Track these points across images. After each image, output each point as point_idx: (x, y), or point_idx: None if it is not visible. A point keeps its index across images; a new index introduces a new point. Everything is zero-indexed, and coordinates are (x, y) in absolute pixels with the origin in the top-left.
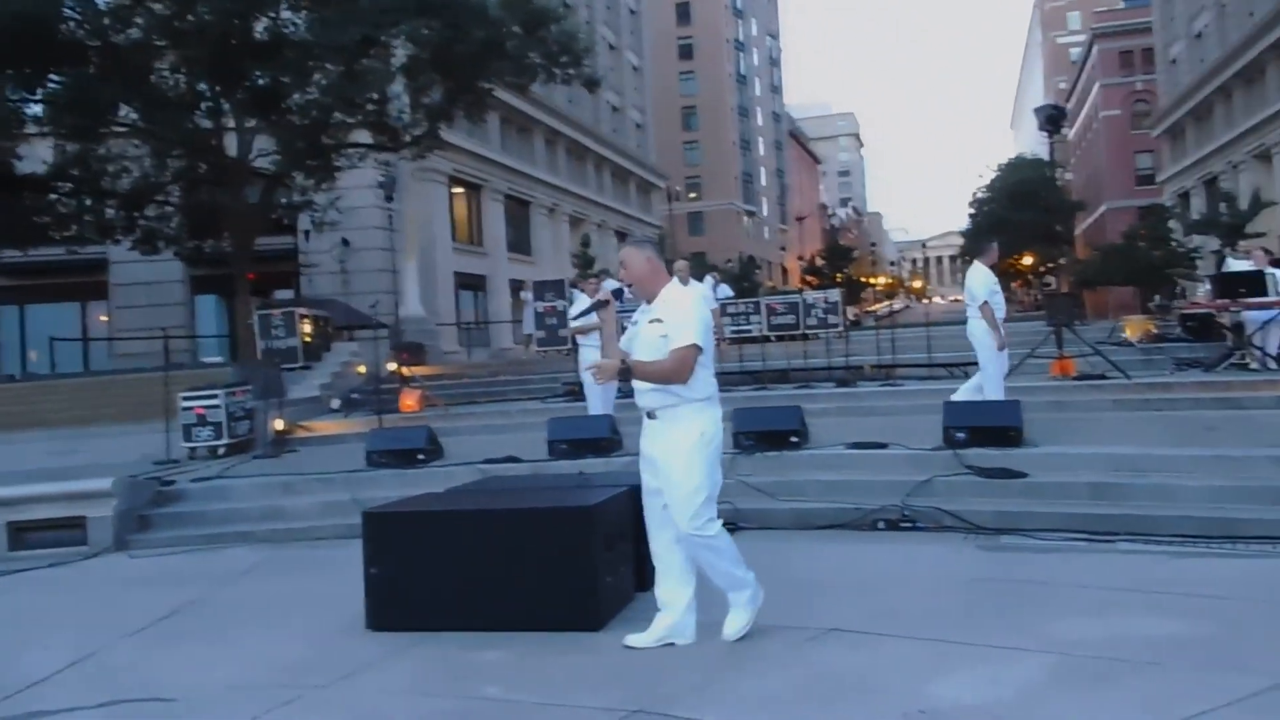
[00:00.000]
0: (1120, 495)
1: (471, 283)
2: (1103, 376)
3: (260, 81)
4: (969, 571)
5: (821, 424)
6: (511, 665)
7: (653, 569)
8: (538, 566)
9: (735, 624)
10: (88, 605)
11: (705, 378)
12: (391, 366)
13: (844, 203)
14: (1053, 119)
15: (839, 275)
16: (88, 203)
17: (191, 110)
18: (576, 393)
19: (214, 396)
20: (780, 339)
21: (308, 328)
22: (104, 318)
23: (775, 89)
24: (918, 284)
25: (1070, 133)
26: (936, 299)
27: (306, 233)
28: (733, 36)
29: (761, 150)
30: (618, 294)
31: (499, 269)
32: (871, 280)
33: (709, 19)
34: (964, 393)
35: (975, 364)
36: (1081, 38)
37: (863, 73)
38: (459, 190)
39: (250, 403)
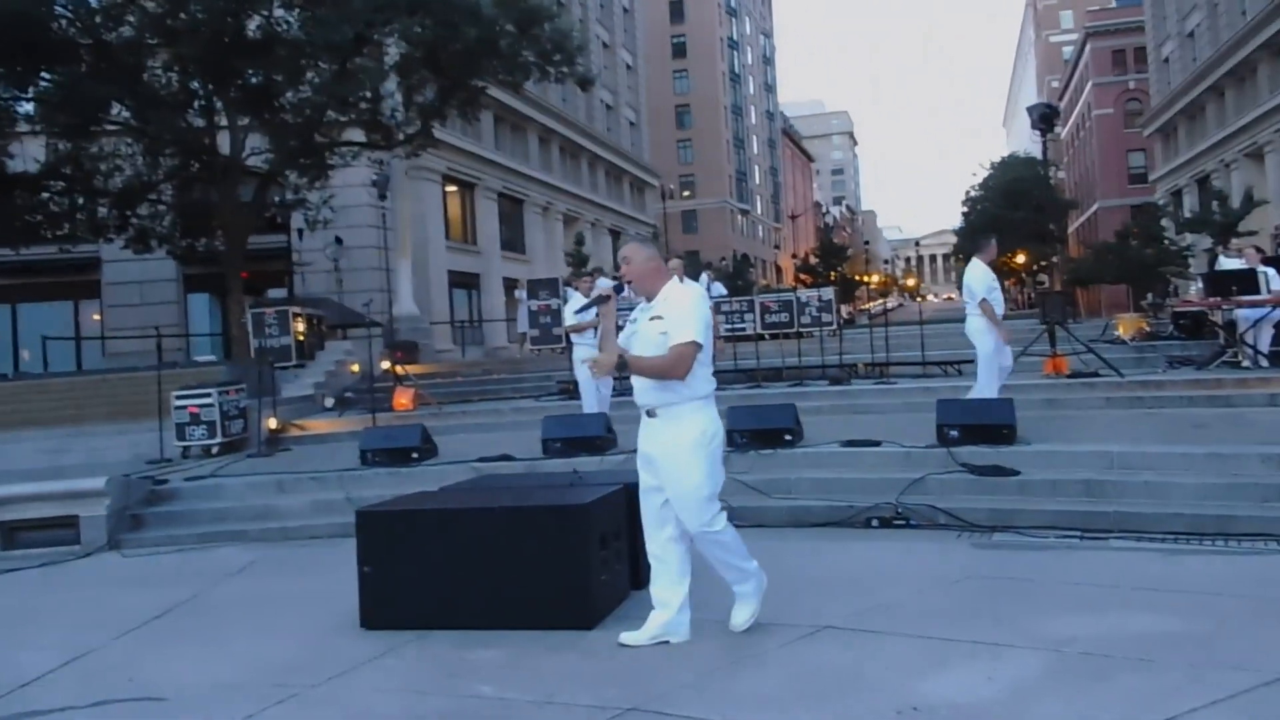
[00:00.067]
0: (1113, 493)
1: (465, 281)
2: (1095, 374)
3: (253, 80)
4: (962, 569)
5: (815, 422)
6: (505, 664)
7: (647, 567)
8: (532, 565)
9: (743, 614)
10: (80, 605)
11: (704, 375)
12: (385, 365)
13: (837, 201)
14: (1045, 118)
15: (833, 273)
16: (80, 201)
17: (184, 109)
18: (571, 391)
19: (207, 395)
20: (774, 337)
21: (301, 326)
22: (96, 316)
23: (769, 87)
24: (911, 282)
25: (1063, 131)
26: (930, 297)
27: (300, 231)
28: (726, 35)
29: (755, 149)
30: (618, 289)
31: (493, 267)
32: (865, 278)
33: (702, 17)
34: (983, 389)
35: (969, 362)
36: (1074, 36)
37: (856, 71)
38: (452, 188)
39: (244, 401)
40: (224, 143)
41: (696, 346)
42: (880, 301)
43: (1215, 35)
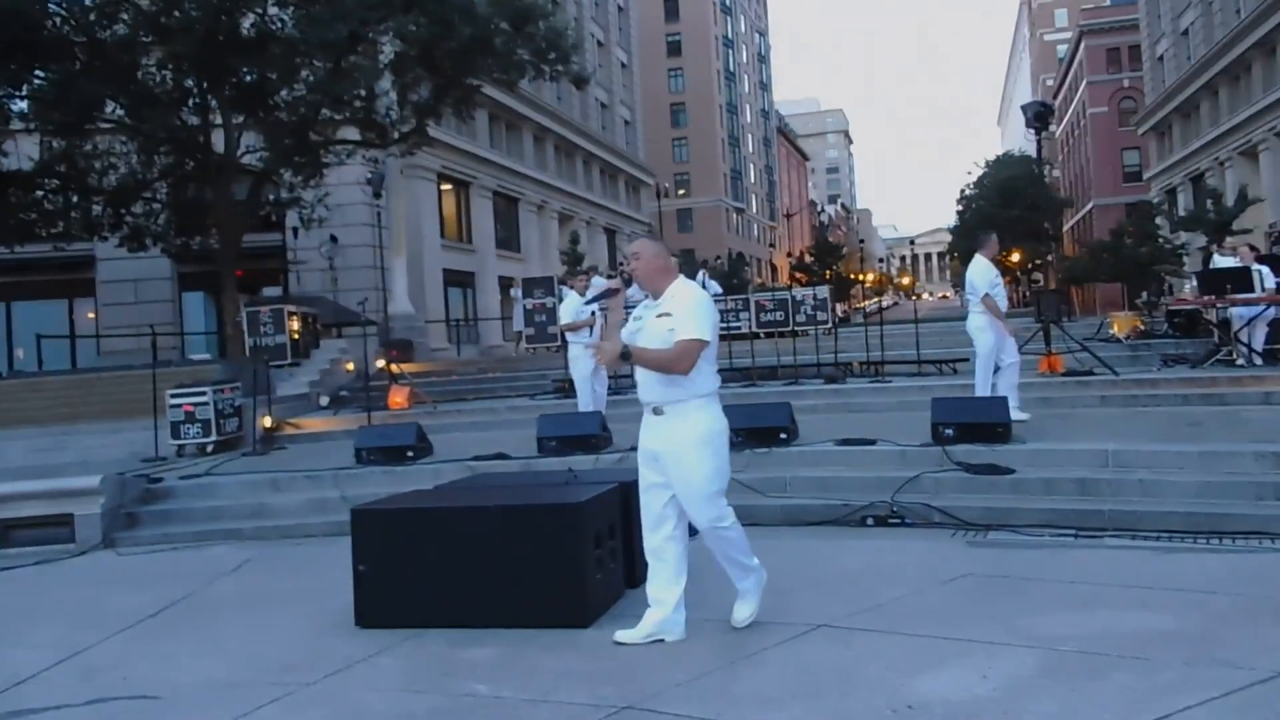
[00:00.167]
0: (1107, 491)
1: (460, 280)
2: (1090, 373)
3: (247, 78)
4: (956, 567)
5: (810, 421)
6: (500, 662)
7: (643, 566)
8: (527, 563)
9: (744, 611)
10: (75, 603)
11: (710, 373)
12: (380, 364)
13: (832, 200)
14: (1040, 116)
15: (828, 272)
16: (74, 199)
17: (178, 107)
18: (566, 390)
19: (202, 394)
20: (769, 335)
21: (296, 325)
22: (91, 315)
23: (764, 86)
24: (906, 280)
25: (1057, 130)
26: (925, 296)
27: (294, 230)
28: (721, 33)
29: (750, 147)
30: (626, 283)
31: (488, 266)
32: (860, 277)
33: (697, 16)
34: (1005, 390)
35: (963, 360)
36: (1069, 35)
37: (851, 69)
38: (447, 187)
39: (238, 399)
40: (218, 141)
41: (702, 344)
42: (875, 300)
43: (1209, 33)
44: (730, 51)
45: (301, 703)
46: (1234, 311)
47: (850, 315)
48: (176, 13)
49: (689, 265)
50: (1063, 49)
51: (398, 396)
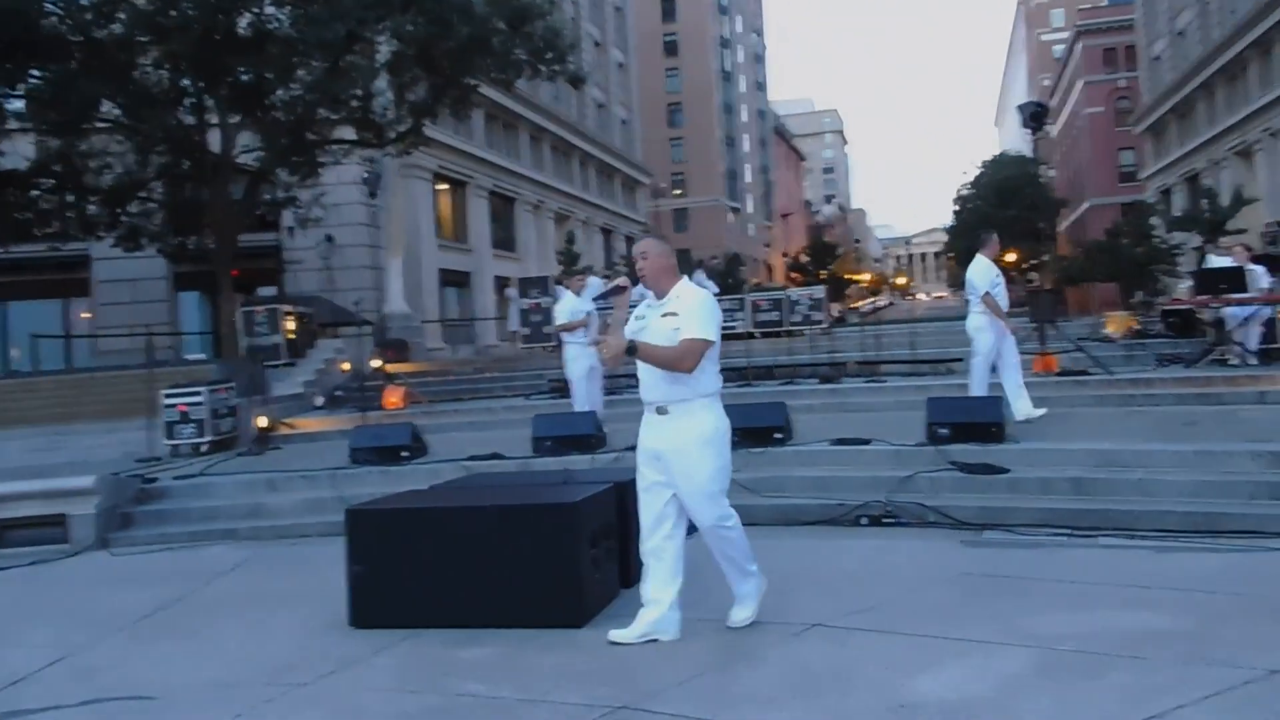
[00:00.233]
0: (1102, 490)
1: (456, 279)
2: (1085, 372)
3: (244, 77)
4: (952, 567)
5: (805, 420)
6: (495, 662)
7: (638, 565)
8: (522, 563)
9: (741, 615)
10: (69, 603)
11: (714, 373)
12: (375, 363)
13: (828, 199)
14: (1036, 116)
15: (823, 272)
16: (70, 199)
17: (174, 106)
18: (561, 390)
19: (197, 393)
20: (765, 335)
21: (291, 324)
22: (86, 315)
23: (760, 86)
24: (902, 280)
25: (1054, 130)
26: (921, 295)
27: (290, 229)
28: (717, 33)
29: (746, 147)
30: (633, 282)
31: (483, 266)
32: (856, 277)
33: (694, 16)
34: (1010, 389)
35: (958, 360)
36: (1065, 35)
37: (847, 69)
38: (443, 187)
39: (234, 399)
40: (215, 140)
41: (708, 344)
42: (870, 300)
43: (1206, 34)
44: (727, 51)
45: (297, 703)
46: (1228, 311)
47: (846, 315)
48: (173, 12)
49: (685, 265)
50: (1059, 49)
51: (393, 396)
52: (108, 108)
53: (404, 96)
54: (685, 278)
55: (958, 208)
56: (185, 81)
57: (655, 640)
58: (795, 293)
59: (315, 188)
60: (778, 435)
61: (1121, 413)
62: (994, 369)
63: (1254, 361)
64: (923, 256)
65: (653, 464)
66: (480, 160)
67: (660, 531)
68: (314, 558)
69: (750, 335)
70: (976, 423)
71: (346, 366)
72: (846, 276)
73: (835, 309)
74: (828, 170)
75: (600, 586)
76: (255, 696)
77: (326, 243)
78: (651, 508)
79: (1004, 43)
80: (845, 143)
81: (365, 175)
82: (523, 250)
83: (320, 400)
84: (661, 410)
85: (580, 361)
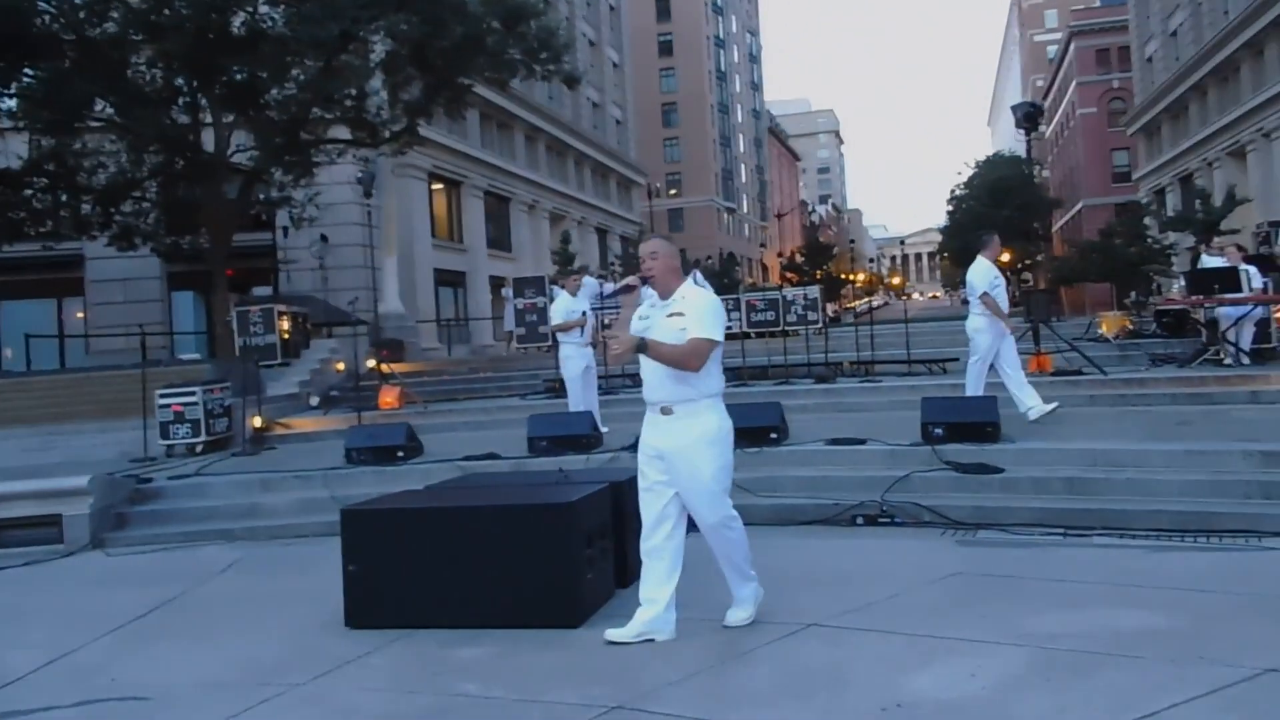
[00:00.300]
0: (1096, 490)
1: (451, 279)
2: (1079, 372)
3: (238, 77)
4: (946, 566)
5: (801, 420)
6: (490, 662)
7: (635, 565)
8: (518, 563)
9: (738, 616)
10: (63, 604)
11: (717, 373)
12: (370, 363)
13: (823, 200)
14: (1030, 116)
15: (818, 272)
16: (64, 198)
17: (168, 105)
18: (557, 389)
19: (191, 393)
20: (760, 335)
21: (286, 324)
22: (80, 314)
23: (755, 86)
24: (896, 280)
25: (1047, 130)
26: (915, 295)
27: (285, 229)
28: (712, 33)
29: (741, 147)
30: (642, 281)
31: (479, 265)
32: (851, 277)
33: (689, 15)
34: (1014, 389)
35: (953, 360)
36: (1059, 36)
37: (841, 70)
38: (438, 186)
39: (228, 399)
40: (208, 140)
41: (714, 344)
42: (866, 300)
43: (1198, 34)
44: (721, 51)
45: (292, 703)
46: (1221, 311)
47: (841, 315)
48: (167, 11)
49: (682, 265)
50: (1053, 50)
51: (388, 396)
52: (101, 107)
53: (398, 96)
54: (688, 279)
55: (951, 208)
56: (179, 80)
57: (651, 640)
58: (790, 293)
59: (310, 187)
60: (773, 435)
61: (1115, 412)
62: (992, 368)
63: (1246, 361)
64: (917, 257)
65: (655, 464)
66: (475, 160)
67: (660, 531)
68: (309, 558)
69: (745, 335)
70: (971, 423)
71: (341, 366)
72: (841, 276)
73: (830, 309)
74: (823, 170)
75: (596, 586)
76: (250, 696)
77: (321, 242)
78: (652, 507)
79: (998, 43)
80: (841, 143)
81: (360, 175)
82: (518, 250)
83: (315, 400)
84: (666, 410)
85: (575, 361)
